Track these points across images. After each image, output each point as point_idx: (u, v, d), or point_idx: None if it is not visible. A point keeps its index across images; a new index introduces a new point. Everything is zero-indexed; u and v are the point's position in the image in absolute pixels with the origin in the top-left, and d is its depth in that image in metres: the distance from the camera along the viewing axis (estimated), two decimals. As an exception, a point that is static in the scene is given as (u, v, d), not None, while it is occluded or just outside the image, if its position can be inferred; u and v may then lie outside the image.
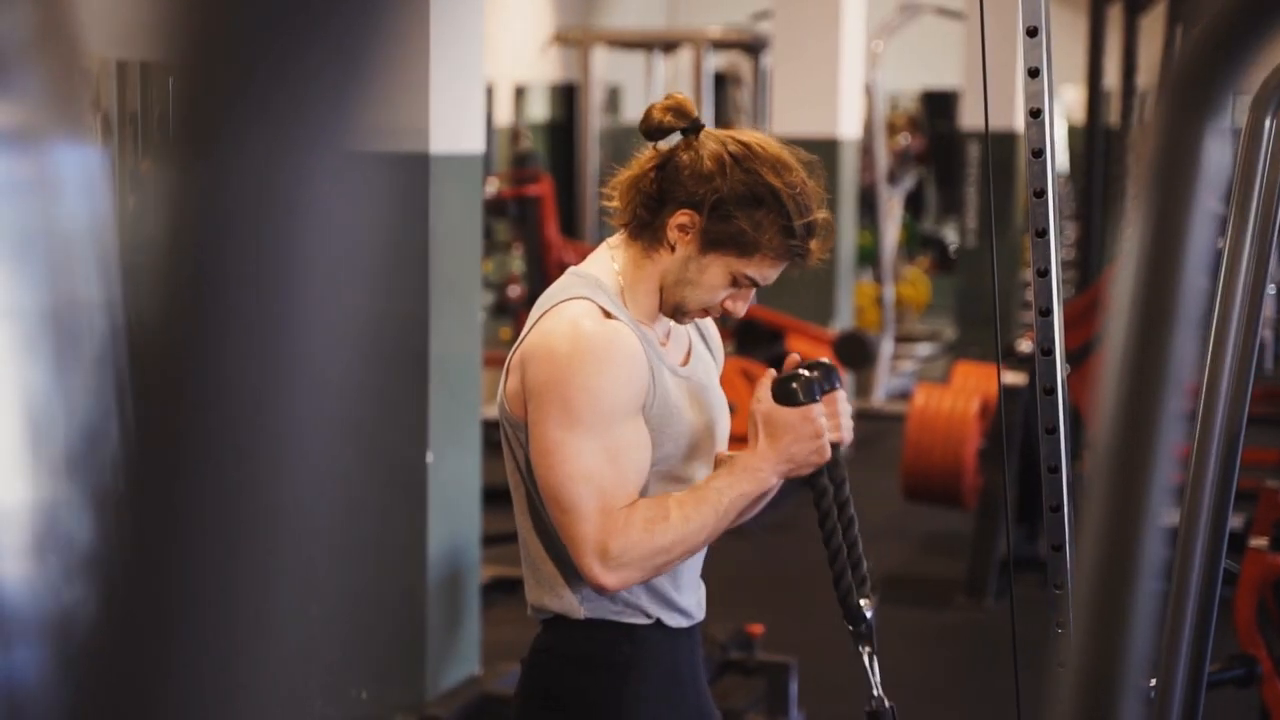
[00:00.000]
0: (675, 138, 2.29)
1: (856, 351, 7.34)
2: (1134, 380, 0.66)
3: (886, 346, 9.81)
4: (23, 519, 1.03)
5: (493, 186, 10.27)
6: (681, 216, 2.24)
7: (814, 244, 2.26)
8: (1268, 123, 1.90)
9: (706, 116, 9.87)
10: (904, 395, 9.12)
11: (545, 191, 9.35)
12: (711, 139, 2.27)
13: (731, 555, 5.99)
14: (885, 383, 9.71)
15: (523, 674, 2.35)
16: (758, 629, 4.68)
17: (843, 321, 8.38)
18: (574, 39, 10.13)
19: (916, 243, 15.05)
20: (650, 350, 2.26)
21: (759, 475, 2.23)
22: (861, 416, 9.12)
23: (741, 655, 4.67)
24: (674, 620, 2.31)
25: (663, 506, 2.21)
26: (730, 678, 4.70)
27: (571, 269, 2.33)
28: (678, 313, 2.30)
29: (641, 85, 11.12)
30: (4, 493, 1.05)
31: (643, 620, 2.28)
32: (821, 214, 2.26)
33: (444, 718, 4.59)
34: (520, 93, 14.23)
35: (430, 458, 4.61)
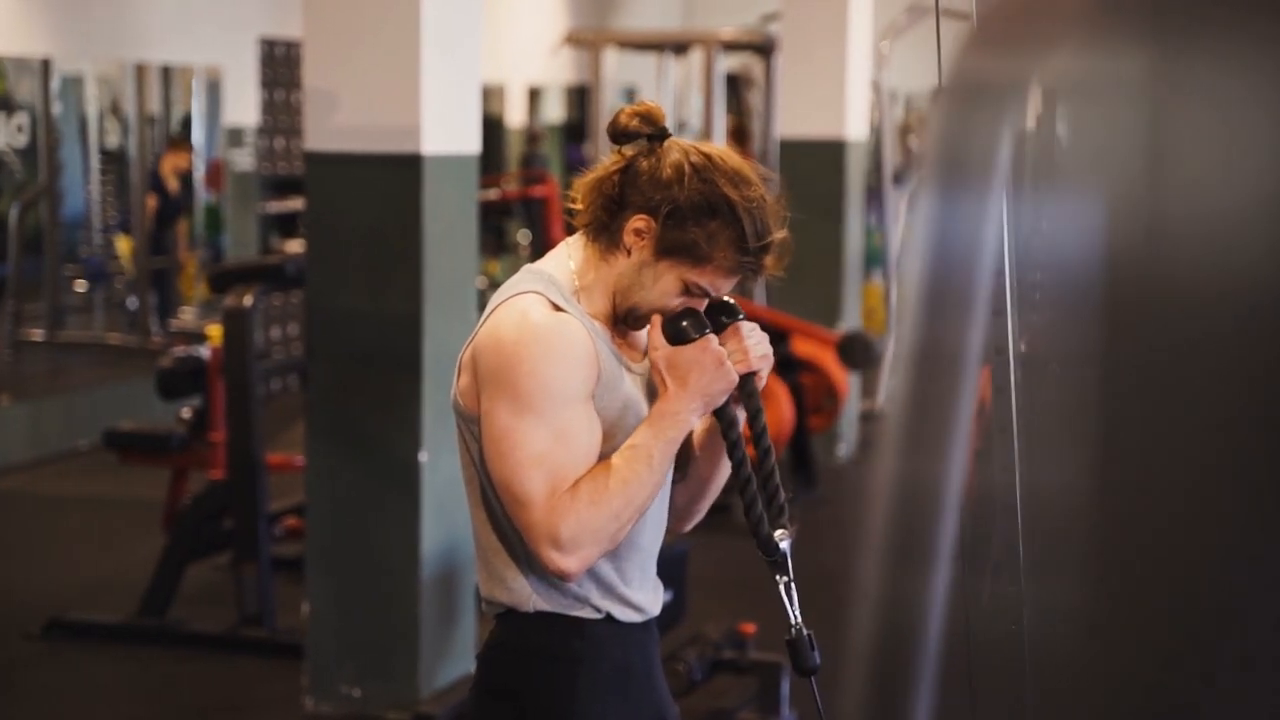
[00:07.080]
0: (641, 143, 2.32)
1: (860, 352, 7.34)
2: (922, 365, 0.67)
3: (893, 347, 9.80)
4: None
5: (508, 185, 10.29)
6: (638, 221, 2.26)
7: (768, 260, 2.27)
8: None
9: (718, 117, 9.90)
10: (911, 396, 9.11)
11: (551, 193, 9.37)
12: (676, 148, 2.29)
13: (725, 554, 5.99)
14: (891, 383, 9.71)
15: (478, 667, 2.39)
16: (750, 628, 4.69)
17: (849, 322, 8.39)
18: (586, 40, 10.14)
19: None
20: (600, 343, 2.28)
21: (678, 419, 2.26)
22: (866, 418, 9.12)
23: (734, 654, 4.68)
24: (625, 615, 2.33)
25: (600, 478, 2.23)
26: (723, 677, 4.71)
27: (526, 266, 2.37)
28: (630, 317, 2.32)
29: (654, 86, 11.14)
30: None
31: (592, 615, 2.31)
32: (779, 233, 2.28)
33: (437, 715, 4.61)
34: (534, 94, 14.26)
35: (424, 457, 4.64)
